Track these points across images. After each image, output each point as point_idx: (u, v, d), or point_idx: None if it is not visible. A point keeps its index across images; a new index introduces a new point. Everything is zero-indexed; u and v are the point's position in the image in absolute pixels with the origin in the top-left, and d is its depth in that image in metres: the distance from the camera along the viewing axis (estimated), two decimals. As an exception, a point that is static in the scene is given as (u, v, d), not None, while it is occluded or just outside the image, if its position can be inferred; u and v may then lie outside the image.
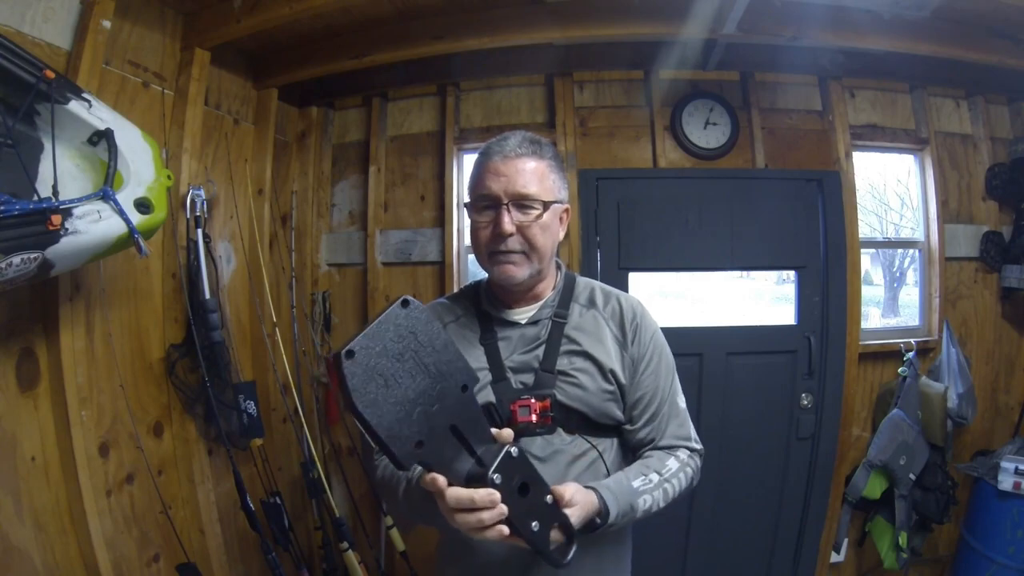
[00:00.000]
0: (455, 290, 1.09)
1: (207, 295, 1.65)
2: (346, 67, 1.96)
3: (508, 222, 0.85)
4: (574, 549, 0.68)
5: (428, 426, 0.57)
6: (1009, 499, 1.86)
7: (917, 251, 2.30)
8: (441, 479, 0.59)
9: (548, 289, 0.97)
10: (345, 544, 1.87)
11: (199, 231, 1.67)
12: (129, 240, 1.18)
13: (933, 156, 2.18)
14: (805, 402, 2.06)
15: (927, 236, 2.21)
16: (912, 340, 2.11)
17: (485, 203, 0.88)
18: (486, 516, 0.59)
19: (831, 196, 2.07)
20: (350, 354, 0.52)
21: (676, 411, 0.94)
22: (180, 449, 1.68)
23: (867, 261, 2.91)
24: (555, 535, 0.67)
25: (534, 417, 0.85)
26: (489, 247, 0.89)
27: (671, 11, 1.73)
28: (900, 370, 2.06)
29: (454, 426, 0.60)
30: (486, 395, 0.87)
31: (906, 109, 2.22)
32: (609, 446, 0.92)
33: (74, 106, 1.14)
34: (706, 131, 2.11)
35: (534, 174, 0.88)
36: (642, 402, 0.91)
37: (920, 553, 2.05)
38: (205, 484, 1.72)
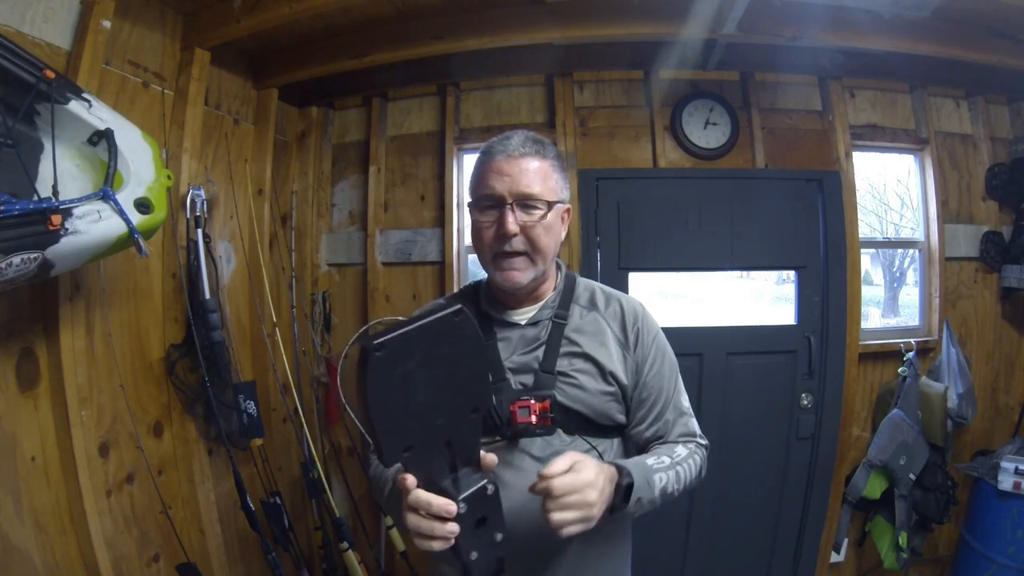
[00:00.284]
0: (455, 290, 1.09)
1: (207, 295, 1.65)
2: (346, 67, 1.96)
3: (512, 222, 0.85)
4: None
5: (424, 434, 0.57)
6: (1009, 499, 1.86)
7: (917, 251, 2.30)
8: (411, 478, 0.60)
9: (549, 290, 0.97)
10: (345, 544, 1.87)
11: (199, 231, 1.67)
12: (129, 240, 1.18)
13: (933, 156, 2.18)
14: (805, 402, 2.06)
15: (927, 236, 2.21)
16: (912, 340, 2.11)
17: (488, 203, 0.88)
18: (437, 527, 0.59)
19: (831, 196, 2.07)
20: (380, 347, 0.52)
21: (681, 410, 0.95)
22: (180, 449, 1.68)
23: (867, 261, 2.91)
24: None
25: (534, 418, 0.84)
26: (493, 247, 0.88)
27: (671, 11, 1.73)
28: (900, 370, 2.06)
29: (448, 441, 0.60)
30: None
31: (906, 109, 2.22)
32: (609, 447, 0.91)
33: (74, 106, 1.14)
34: (706, 131, 2.11)
35: (538, 174, 0.88)
36: (647, 402, 0.92)
37: (920, 553, 2.05)
38: (205, 484, 1.72)
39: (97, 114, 1.18)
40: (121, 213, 1.15)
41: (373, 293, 2.24)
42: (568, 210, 0.95)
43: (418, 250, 2.23)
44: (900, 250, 3.18)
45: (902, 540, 1.91)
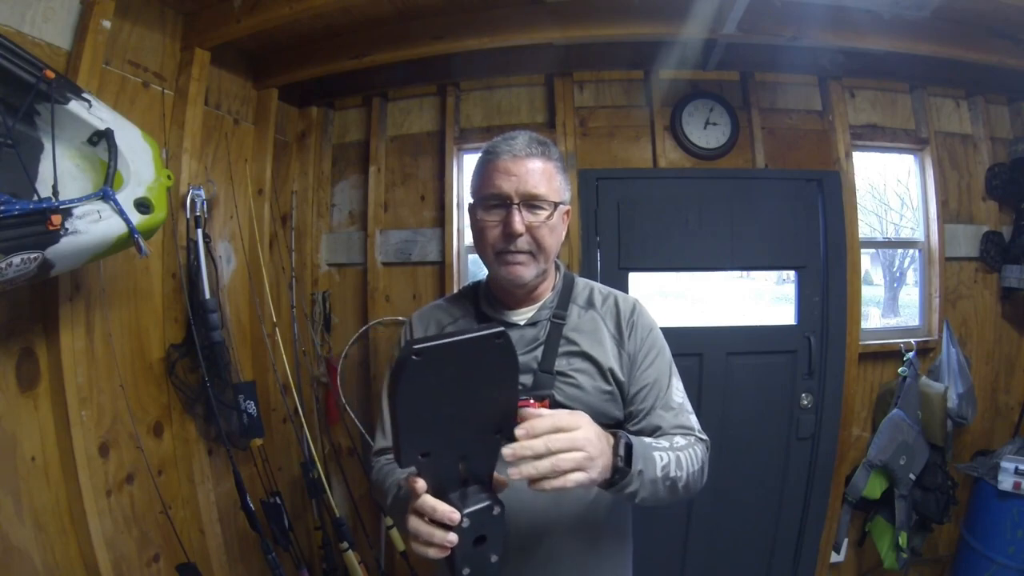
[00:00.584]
0: (455, 290, 1.09)
1: (207, 295, 1.65)
2: (346, 67, 1.96)
3: (519, 221, 0.86)
4: None
5: (443, 444, 0.59)
6: (1009, 499, 1.86)
7: (917, 251, 2.30)
8: (421, 483, 0.60)
9: (547, 290, 0.97)
10: (345, 544, 1.87)
11: (199, 231, 1.67)
12: (129, 240, 1.18)
13: (933, 156, 2.18)
14: (805, 402, 2.06)
15: (927, 236, 2.21)
16: (912, 340, 2.11)
17: (495, 202, 0.88)
18: (436, 534, 0.59)
19: (831, 196, 2.07)
20: (419, 353, 0.54)
21: (677, 404, 0.93)
22: (180, 449, 1.68)
23: (867, 261, 2.91)
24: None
25: (533, 418, 0.85)
26: (498, 246, 0.88)
27: (671, 11, 1.73)
28: (900, 370, 2.06)
29: (465, 455, 0.61)
30: None
31: (906, 109, 2.22)
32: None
33: (74, 106, 1.14)
34: (706, 131, 2.11)
35: (543, 175, 0.88)
36: (640, 395, 0.91)
37: (920, 553, 2.05)
38: (205, 484, 1.72)
39: (97, 114, 1.18)
40: (121, 213, 1.15)
41: (373, 293, 2.24)
42: (568, 211, 0.95)
43: (418, 250, 2.23)
44: (900, 250, 3.18)
45: (902, 540, 1.91)
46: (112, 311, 1.49)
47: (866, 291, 2.38)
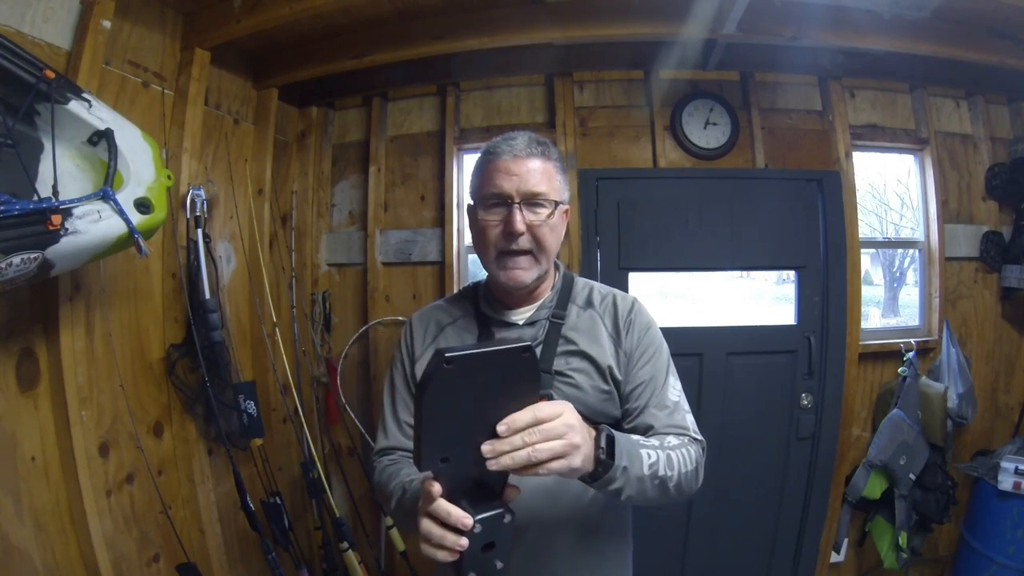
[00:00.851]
0: (455, 290, 1.09)
1: (207, 295, 1.65)
2: (346, 67, 1.96)
3: (520, 221, 0.86)
4: None
5: (463, 451, 0.60)
6: (1009, 499, 1.86)
7: (917, 251, 2.30)
8: (437, 487, 0.61)
9: (547, 290, 0.97)
10: (345, 544, 1.87)
11: (199, 231, 1.67)
12: (129, 240, 1.18)
13: (933, 156, 2.18)
14: (805, 402, 2.06)
15: (927, 236, 2.21)
16: (912, 340, 2.11)
17: (495, 201, 0.88)
18: (448, 538, 0.60)
19: (831, 196, 2.07)
20: (450, 361, 0.55)
21: (672, 403, 0.91)
22: (180, 449, 1.68)
23: (867, 261, 2.91)
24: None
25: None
26: (499, 246, 0.89)
27: (671, 11, 1.73)
28: (900, 370, 2.06)
29: (480, 462, 0.62)
30: None
31: (906, 109, 2.23)
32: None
33: (74, 106, 1.14)
34: (706, 131, 2.11)
35: (544, 174, 0.88)
36: (635, 393, 0.90)
37: (920, 553, 2.05)
38: (205, 484, 1.72)
39: (97, 114, 1.18)
40: (121, 213, 1.15)
41: (373, 293, 2.24)
42: (567, 210, 0.96)
43: (418, 250, 2.23)
44: (900, 250, 3.18)
45: (902, 540, 1.91)
46: (112, 311, 1.49)
47: (866, 291, 2.38)
